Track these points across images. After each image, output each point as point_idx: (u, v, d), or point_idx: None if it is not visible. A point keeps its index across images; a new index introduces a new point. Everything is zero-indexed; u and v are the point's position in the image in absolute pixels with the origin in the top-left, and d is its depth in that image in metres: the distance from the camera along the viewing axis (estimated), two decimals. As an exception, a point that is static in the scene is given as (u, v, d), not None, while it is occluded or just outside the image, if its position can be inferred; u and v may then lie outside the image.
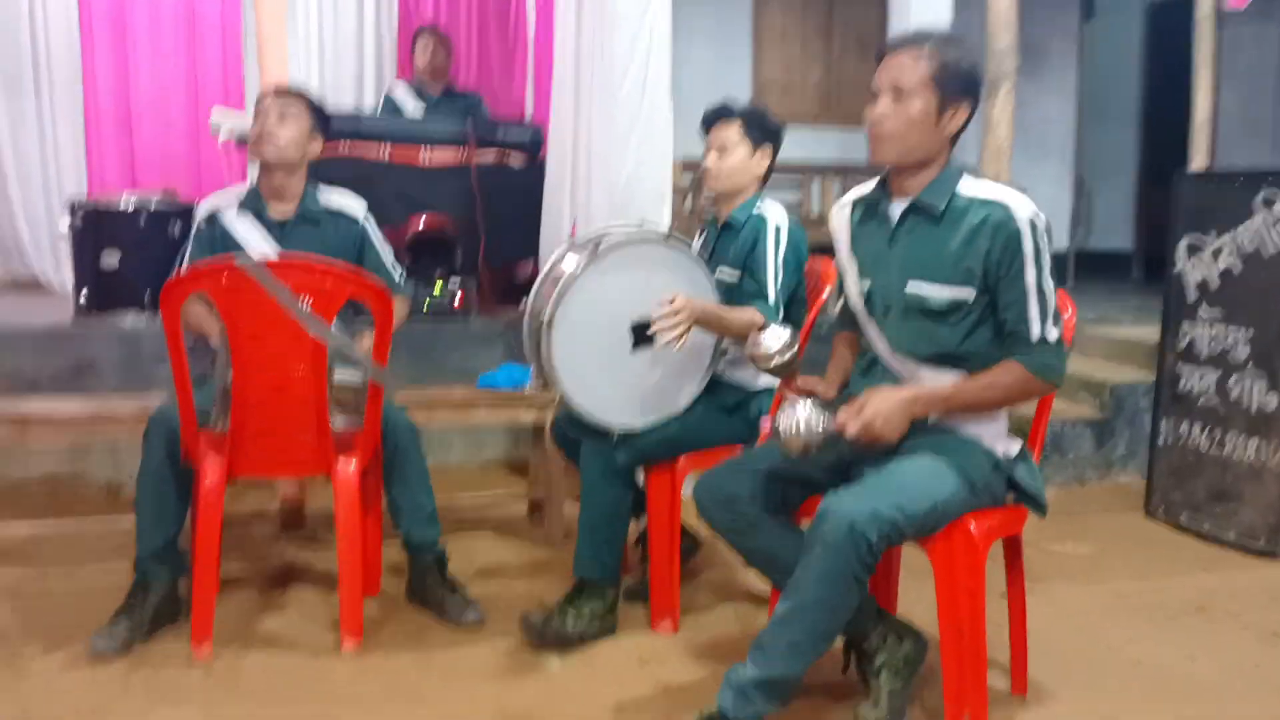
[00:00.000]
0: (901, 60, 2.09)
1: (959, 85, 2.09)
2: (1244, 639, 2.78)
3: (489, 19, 6.40)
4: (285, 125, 2.90)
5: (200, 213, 2.98)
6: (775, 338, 2.24)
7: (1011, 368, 2.07)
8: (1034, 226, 2.04)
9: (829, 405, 2.09)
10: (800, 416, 2.03)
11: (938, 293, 2.10)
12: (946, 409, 2.11)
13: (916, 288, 2.12)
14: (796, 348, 2.23)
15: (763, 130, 2.81)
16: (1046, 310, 2.06)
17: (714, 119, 2.83)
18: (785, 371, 2.25)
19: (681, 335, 2.52)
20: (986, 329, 2.12)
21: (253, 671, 2.43)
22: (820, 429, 2.03)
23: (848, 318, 2.38)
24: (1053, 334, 2.06)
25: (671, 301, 2.50)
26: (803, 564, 1.97)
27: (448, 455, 4.26)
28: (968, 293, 2.08)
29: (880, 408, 2.03)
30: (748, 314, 2.64)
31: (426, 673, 2.45)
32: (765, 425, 2.14)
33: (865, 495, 1.97)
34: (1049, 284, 2.06)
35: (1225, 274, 3.57)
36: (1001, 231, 2.04)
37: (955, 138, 2.14)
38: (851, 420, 2.03)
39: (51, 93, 5.79)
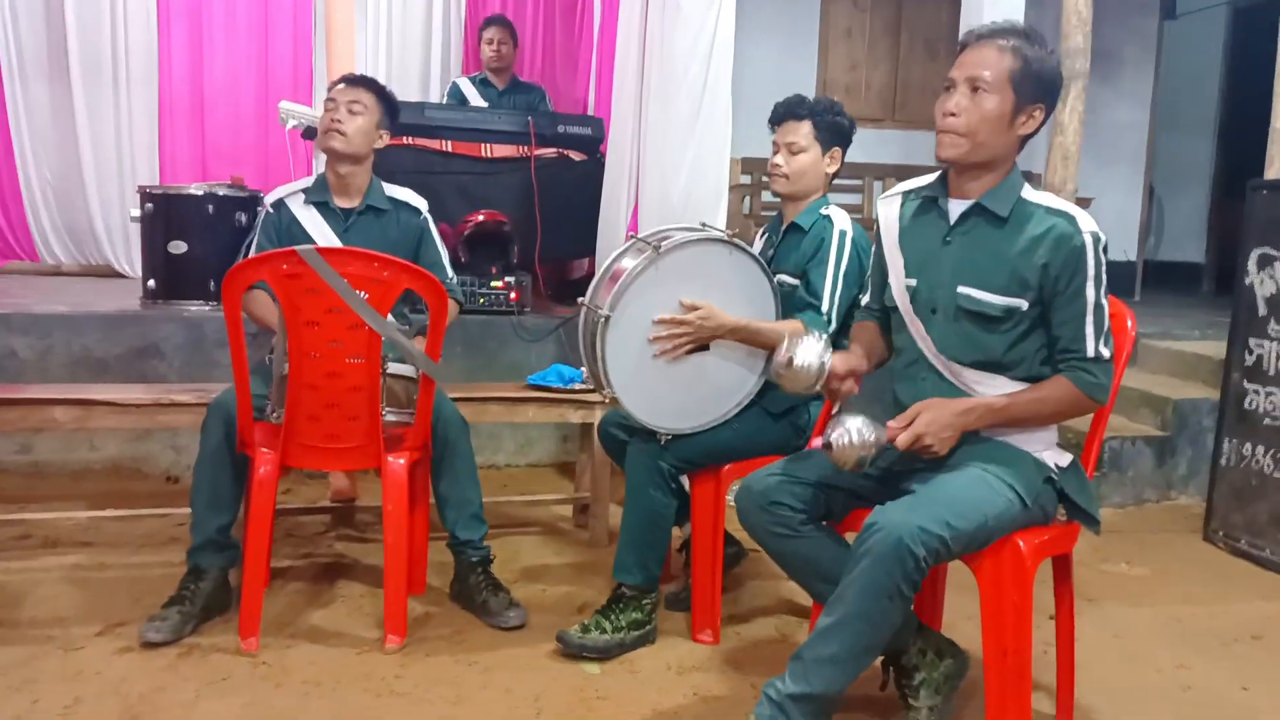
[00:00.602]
0: (983, 54, 2.04)
1: (1038, 86, 2.04)
2: (1301, 671, 2.70)
3: (555, 11, 6.43)
4: (354, 118, 2.94)
5: (268, 200, 3.05)
6: (840, 433, 2.01)
7: (1062, 384, 2.06)
8: (1096, 242, 2.02)
9: (878, 417, 2.07)
10: (851, 430, 2.00)
11: (991, 299, 2.07)
12: (997, 422, 2.08)
13: (968, 292, 2.09)
14: (864, 426, 2.02)
15: (834, 132, 2.77)
16: (1101, 327, 2.04)
17: (784, 116, 2.78)
18: (878, 449, 2.04)
19: (675, 349, 2.53)
20: (1033, 340, 2.09)
21: (297, 665, 2.47)
22: (872, 440, 2.00)
23: (873, 312, 2.37)
24: (1105, 352, 2.05)
25: (692, 308, 2.51)
26: (847, 577, 1.94)
27: (496, 455, 4.32)
28: (1021, 303, 2.05)
29: (932, 421, 2.02)
30: (790, 325, 2.59)
31: (467, 673, 2.47)
32: (815, 442, 2.10)
33: (915, 510, 1.94)
34: (1104, 303, 2.04)
35: (1298, 291, 3.47)
36: (1064, 245, 2.01)
37: (1025, 141, 2.10)
38: (904, 434, 2.02)
39: (129, 82, 5.96)
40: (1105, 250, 2.04)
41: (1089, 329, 2.03)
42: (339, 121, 2.93)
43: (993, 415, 2.06)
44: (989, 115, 2.03)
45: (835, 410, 2.53)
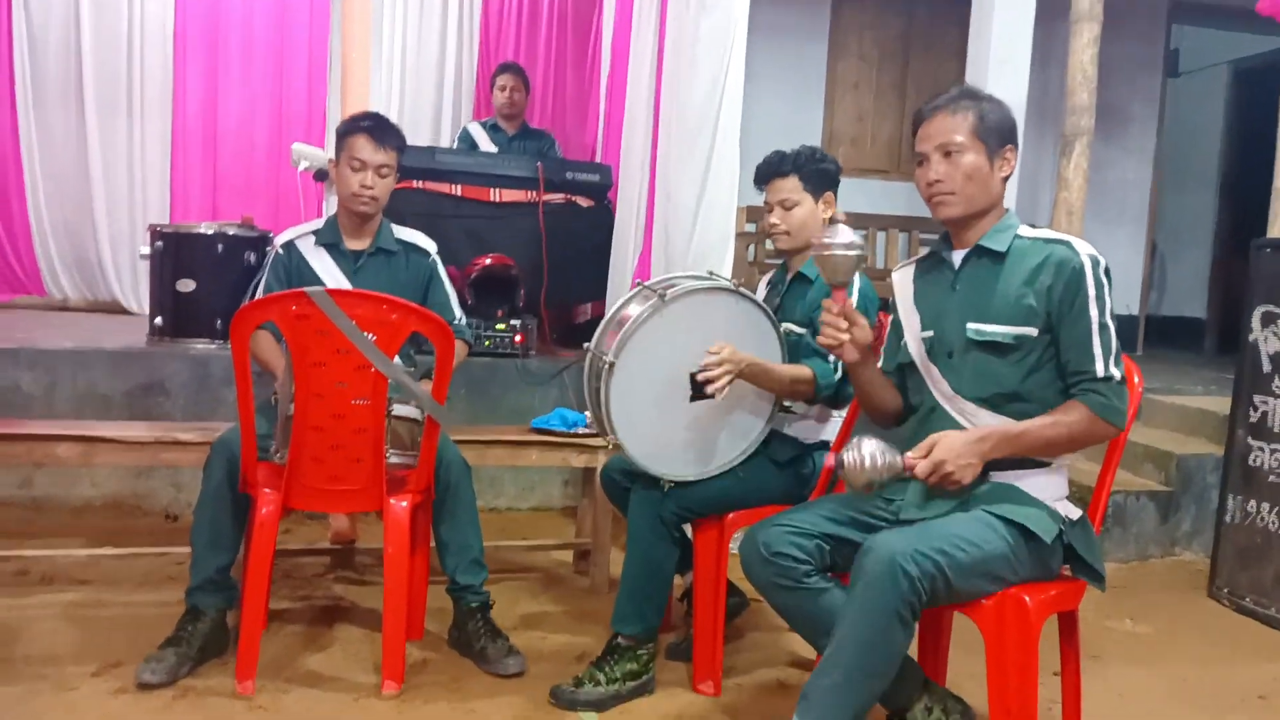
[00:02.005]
0: (943, 122, 2.17)
1: (1000, 131, 2.17)
2: (1309, 734, 2.67)
3: (566, 60, 6.51)
4: (383, 181, 2.97)
5: (278, 241, 3.07)
6: (854, 455, 2.03)
7: (1075, 407, 2.06)
8: (1095, 264, 2.07)
9: (895, 445, 2.06)
10: (865, 452, 1.99)
11: (1000, 330, 2.11)
12: (1014, 449, 2.08)
13: (978, 327, 2.14)
14: (879, 450, 2.01)
15: (822, 179, 2.80)
16: (1109, 347, 2.06)
17: (770, 176, 2.81)
18: (845, 276, 2.18)
19: (726, 384, 2.51)
20: (1047, 371, 2.11)
21: (294, 709, 2.45)
22: (885, 464, 1.99)
23: (887, 374, 2.37)
24: (1116, 373, 2.06)
25: (717, 351, 2.50)
26: (845, 605, 1.96)
27: (497, 499, 4.30)
28: (1030, 330, 2.09)
29: (950, 447, 2.03)
30: (798, 370, 2.63)
31: None
32: (829, 461, 2.09)
33: (909, 535, 1.97)
34: (1110, 323, 2.07)
35: (1302, 349, 3.47)
36: (1064, 268, 2.07)
37: (1006, 181, 2.20)
38: (923, 463, 2.02)
39: (143, 118, 6.03)
40: (1108, 274, 2.08)
41: (1096, 348, 2.05)
42: (370, 188, 2.95)
43: (1009, 442, 2.07)
44: (971, 171, 2.15)
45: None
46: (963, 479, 2.03)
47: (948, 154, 2.15)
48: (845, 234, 2.18)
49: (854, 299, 2.64)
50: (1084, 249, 2.09)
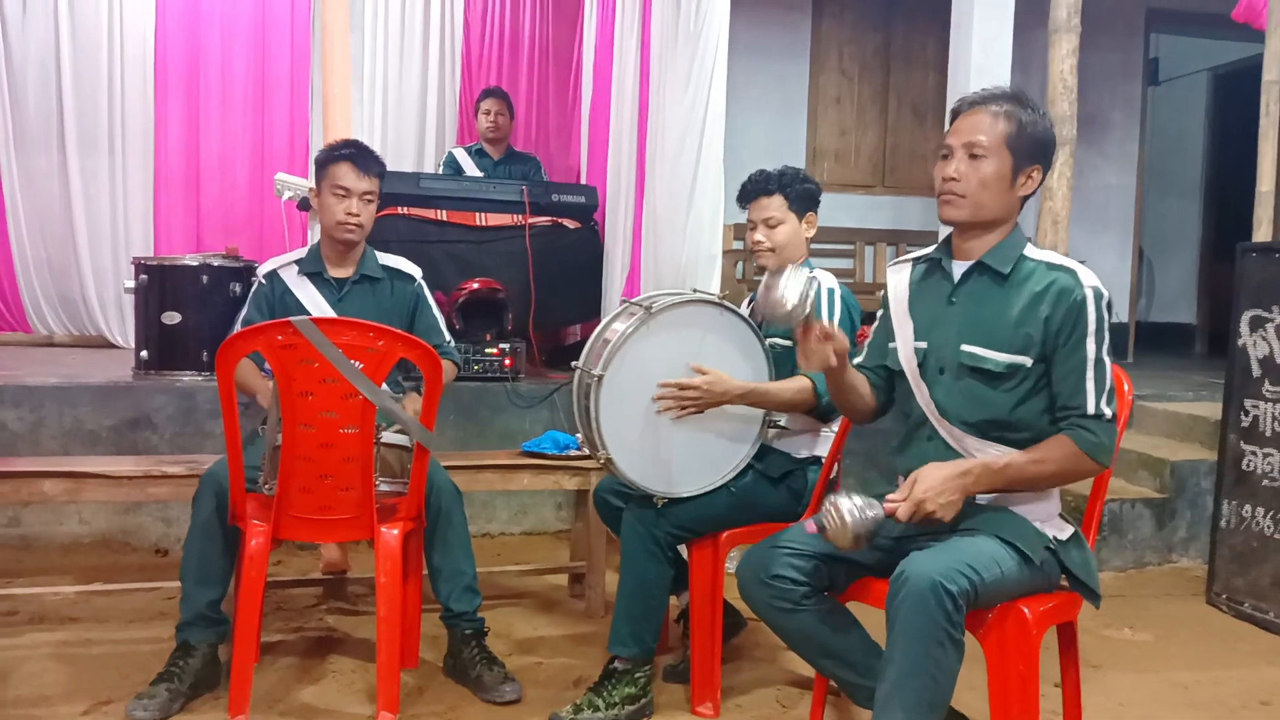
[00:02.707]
0: (977, 120, 2.08)
1: (1034, 148, 2.08)
2: (1312, 739, 2.66)
3: (549, 83, 6.53)
4: (368, 207, 2.97)
5: (261, 271, 3.05)
6: (795, 285, 2.06)
7: (1062, 442, 2.02)
8: (1098, 298, 2.02)
9: (874, 483, 2.04)
10: (844, 510, 1.93)
11: (995, 356, 2.06)
12: (997, 483, 2.04)
13: (973, 350, 2.09)
14: (856, 506, 1.96)
15: (805, 199, 2.83)
16: (1103, 384, 2.02)
17: (755, 194, 2.83)
18: (876, 527, 1.98)
19: (679, 412, 2.51)
20: (1039, 400, 2.07)
21: (288, 741, 2.42)
22: (866, 517, 1.94)
23: (864, 369, 2.34)
24: (1107, 411, 2.02)
25: (703, 374, 2.51)
26: (891, 638, 1.89)
27: (489, 524, 4.28)
28: (1025, 360, 2.05)
29: (931, 485, 1.98)
30: (797, 383, 2.63)
31: (461, 748, 2.42)
32: (809, 525, 2.05)
33: (938, 557, 1.92)
34: (1106, 360, 2.03)
35: (1291, 352, 3.48)
36: (1065, 299, 2.02)
37: (1024, 201, 2.13)
38: (903, 504, 1.98)
39: (124, 152, 6.02)
40: (1110, 308, 2.04)
41: (1089, 384, 2.01)
42: (355, 215, 2.94)
43: (991, 476, 2.02)
44: (989, 179, 2.06)
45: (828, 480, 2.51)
46: (945, 517, 1.98)
47: (972, 155, 2.07)
48: (780, 288, 2.09)
49: (833, 318, 2.65)
50: (1088, 280, 2.03)
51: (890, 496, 2.01)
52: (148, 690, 2.53)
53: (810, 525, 2.02)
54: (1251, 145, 4.88)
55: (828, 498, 2.00)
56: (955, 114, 2.14)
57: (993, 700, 2.01)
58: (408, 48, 6.39)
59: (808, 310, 2.08)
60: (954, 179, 2.08)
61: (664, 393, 2.52)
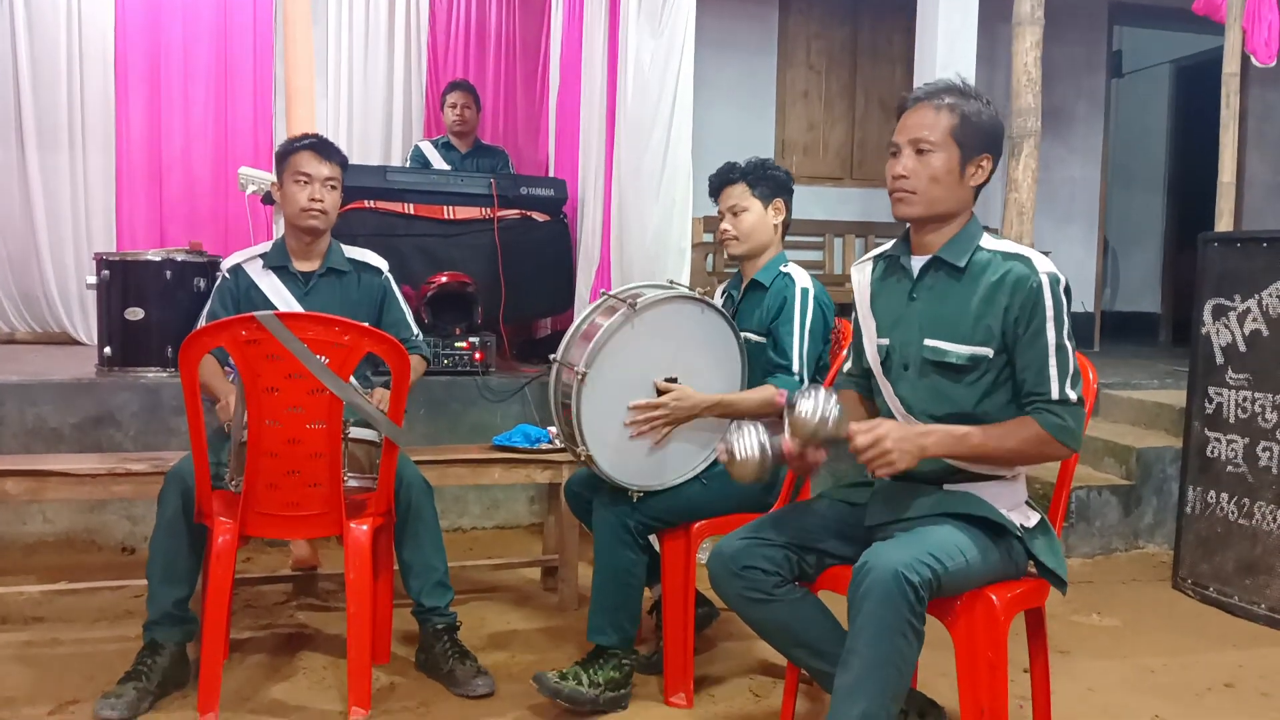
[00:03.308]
0: (922, 115, 2.08)
1: (981, 138, 2.08)
2: (1273, 719, 2.69)
3: (516, 76, 6.49)
4: (333, 194, 2.95)
5: (225, 266, 3.02)
6: (812, 405, 2.02)
7: (1027, 423, 2.02)
8: (1055, 283, 2.02)
9: (848, 476, 2.04)
10: (819, 402, 1.98)
11: (956, 349, 2.07)
12: (957, 450, 2.04)
13: (935, 344, 2.10)
14: (835, 408, 2.01)
15: (771, 184, 2.82)
16: (1066, 369, 2.02)
17: (720, 185, 2.84)
18: (834, 439, 2.02)
19: (651, 432, 2.55)
20: (1003, 392, 2.08)
21: (258, 739, 2.40)
22: (833, 422, 1.97)
23: (854, 378, 2.36)
24: (1071, 395, 2.02)
25: (668, 392, 2.53)
26: (854, 629, 1.90)
27: (461, 518, 4.26)
28: (986, 351, 2.05)
29: (893, 431, 1.99)
30: (763, 393, 2.64)
31: (434, 743, 2.41)
32: (780, 399, 2.06)
33: (902, 547, 1.93)
34: (1068, 344, 2.02)
35: (1252, 338, 3.52)
36: (1022, 287, 2.02)
37: (978, 190, 2.13)
38: (865, 435, 1.98)
39: (85, 147, 5.91)
40: (1067, 292, 2.04)
41: (1052, 370, 2.01)
42: (319, 200, 2.92)
43: (953, 440, 2.03)
44: (938, 174, 2.07)
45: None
46: (896, 464, 1.97)
47: (919, 151, 2.07)
48: (745, 442, 2.06)
49: (806, 319, 2.66)
50: (1043, 266, 2.03)
51: (855, 424, 2.01)
52: (115, 689, 2.50)
53: (780, 398, 2.03)
54: (1213, 137, 4.95)
55: (814, 387, 2.03)
56: (900, 110, 2.14)
57: (962, 686, 2.02)
58: (372, 40, 6.32)
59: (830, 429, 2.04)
60: (904, 176, 2.09)
61: (634, 417, 2.54)
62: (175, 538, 2.61)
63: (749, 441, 2.03)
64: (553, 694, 2.50)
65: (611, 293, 2.66)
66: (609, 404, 2.53)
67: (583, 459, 2.55)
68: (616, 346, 2.51)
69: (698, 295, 2.64)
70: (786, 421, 2.03)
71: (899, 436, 1.98)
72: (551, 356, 2.62)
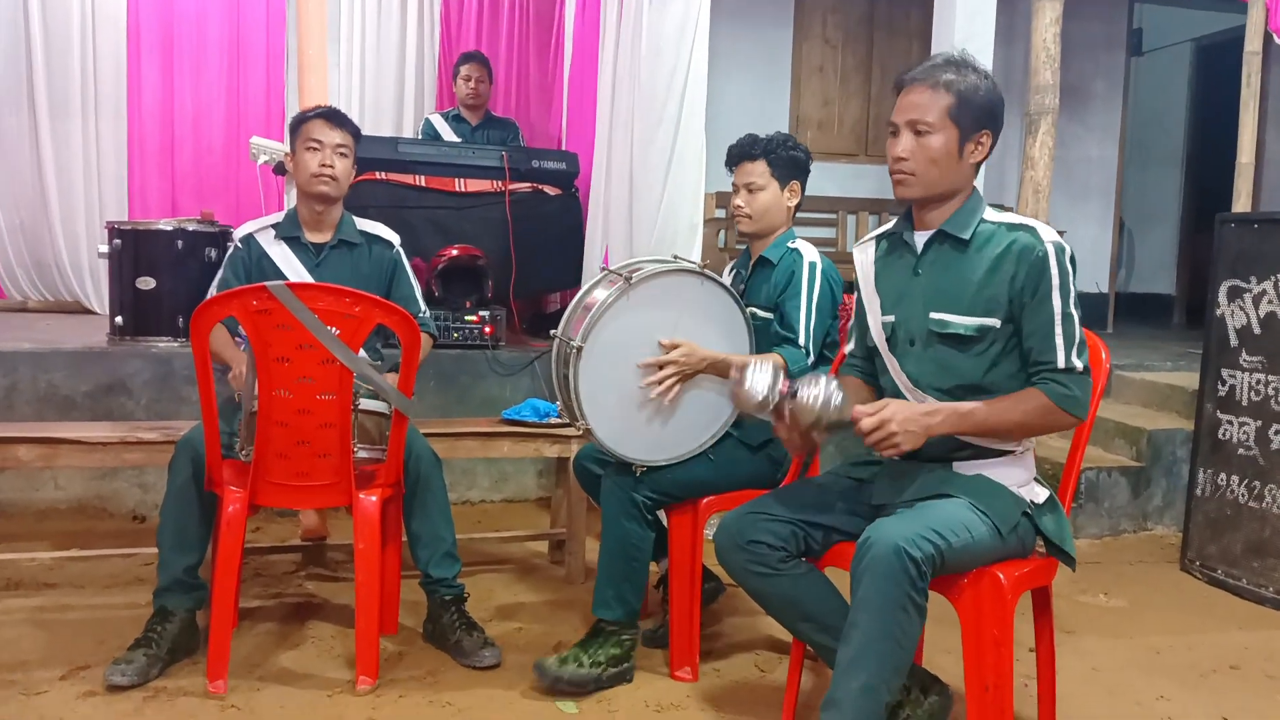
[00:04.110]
0: (919, 95, 2.08)
1: (979, 115, 2.07)
2: (1279, 701, 2.70)
3: (529, 48, 6.45)
4: (343, 161, 2.94)
5: (237, 235, 3.02)
6: (761, 378, 2.05)
7: (1033, 394, 2.02)
8: (1060, 252, 2.02)
9: (852, 460, 2.05)
10: (821, 388, 1.98)
11: (963, 321, 2.07)
12: (964, 427, 2.04)
13: (940, 317, 2.09)
14: (838, 393, 2.01)
15: (791, 166, 2.79)
16: (1072, 338, 2.01)
17: (740, 158, 2.81)
18: (838, 423, 2.02)
19: (667, 390, 2.52)
20: (1010, 362, 2.08)
21: (266, 707, 2.41)
22: (836, 407, 1.97)
23: (856, 363, 2.35)
24: (1078, 363, 2.01)
25: (674, 348, 2.50)
26: (855, 603, 1.90)
27: (470, 491, 4.27)
28: (993, 321, 2.05)
29: (898, 409, 2.00)
30: (769, 360, 2.60)
31: (440, 714, 2.42)
32: (784, 386, 2.06)
33: (905, 522, 1.93)
34: (1074, 313, 2.02)
35: (1267, 320, 3.49)
36: (1028, 256, 2.01)
37: (979, 166, 2.13)
38: (870, 418, 1.99)
39: (97, 116, 5.90)
40: (1072, 261, 2.03)
41: (1058, 339, 2.01)
42: (329, 166, 2.91)
43: (959, 418, 2.03)
44: (937, 155, 2.06)
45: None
46: (902, 445, 1.98)
47: (917, 132, 2.07)
48: (749, 382, 2.07)
49: (814, 295, 2.65)
50: (1048, 236, 2.03)
51: (859, 407, 2.02)
52: (126, 655, 2.52)
53: (784, 385, 2.04)
54: (1233, 117, 4.90)
55: (816, 373, 2.04)
56: (898, 89, 2.13)
57: (967, 663, 2.02)
58: (385, 10, 6.29)
59: (778, 399, 2.06)
60: (903, 158, 2.08)
61: (649, 377, 2.52)
62: (186, 506, 2.63)
63: (764, 379, 2.03)
64: (553, 681, 2.51)
65: (611, 268, 2.65)
66: (608, 377, 2.53)
67: (582, 431, 2.56)
68: (612, 320, 2.50)
69: (697, 269, 2.62)
70: (789, 409, 2.03)
71: (904, 417, 1.99)
72: (552, 332, 2.63)
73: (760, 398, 2.05)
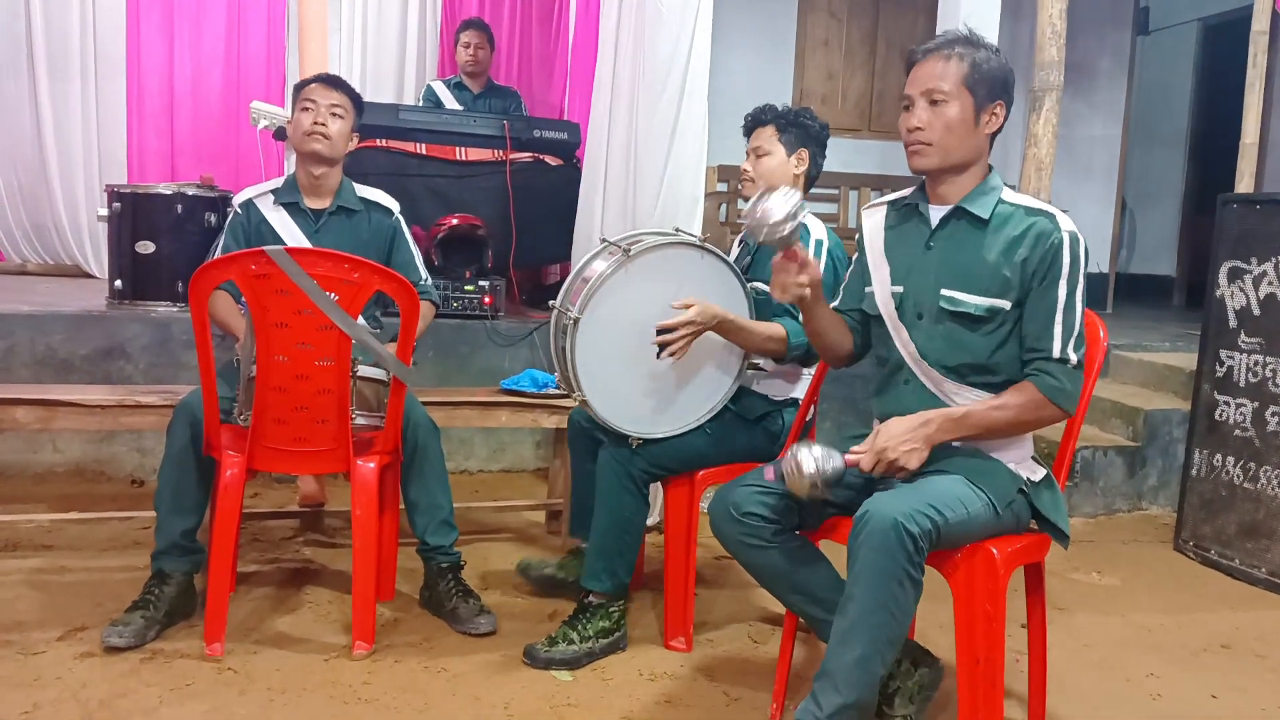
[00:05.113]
0: (933, 66, 2.09)
1: (993, 84, 2.08)
2: (1268, 679, 2.71)
3: (531, 16, 6.41)
4: (336, 120, 2.93)
5: (237, 201, 3.01)
6: (783, 201, 2.06)
7: (1025, 388, 2.04)
8: (1075, 242, 2.03)
9: (851, 427, 2.05)
10: (802, 459, 1.97)
11: (974, 300, 2.07)
12: (959, 432, 2.05)
13: (952, 294, 2.09)
14: (829, 462, 2.00)
15: (799, 132, 2.78)
16: (1071, 329, 2.02)
17: (752, 125, 2.83)
18: (784, 243, 2.09)
19: (683, 347, 2.49)
20: (1016, 344, 2.08)
21: (263, 671, 2.43)
22: (824, 468, 1.97)
23: (839, 312, 2.35)
24: (1072, 356, 2.02)
25: (685, 306, 2.48)
26: (851, 576, 1.91)
27: (467, 460, 4.28)
28: (1004, 303, 2.05)
29: (892, 434, 2.01)
30: (771, 328, 2.61)
31: (436, 680, 2.44)
32: (768, 474, 2.08)
33: (902, 497, 1.94)
34: (1078, 305, 2.03)
35: (1267, 301, 3.49)
36: (1043, 241, 2.02)
37: (993, 139, 2.14)
38: (866, 456, 2.01)
39: (96, 79, 5.85)
40: (1086, 254, 2.04)
41: (1057, 327, 2.02)
42: (322, 124, 2.91)
43: (952, 424, 2.04)
44: (953, 123, 2.07)
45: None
46: (908, 464, 2.00)
47: (933, 102, 2.07)
48: (768, 202, 2.07)
49: (817, 256, 2.63)
50: (1066, 224, 2.04)
51: (852, 451, 2.04)
52: (123, 617, 2.54)
53: (769, 472, 2.05)
54: (1238, 97, 4.87)
55: (791, 447, 2.02)
56: (910, 64, 2.15)
57: (959, 637, 2.03)
58: (388, -27, 6.25)
59: (788, 232, 2.07)
60: (919, 128, 2.09)
61: (669, 336, 2.48)
62: (184, 469, 2.63)
63: (808, 463, 1.99)
64: (545, 664, 2.52)
65: (610, 239, 2.64)
66: (605, 349, 2.53)
67: (579, 403, 2.56)
68: (610, 292, 2.50)
69: (697, 241, 2.61)
70: (786, 483, 2.02)
71: (898, 438, 2.00)
72: (551, 303, 2.62)
73: (773, 220, 2.05)
